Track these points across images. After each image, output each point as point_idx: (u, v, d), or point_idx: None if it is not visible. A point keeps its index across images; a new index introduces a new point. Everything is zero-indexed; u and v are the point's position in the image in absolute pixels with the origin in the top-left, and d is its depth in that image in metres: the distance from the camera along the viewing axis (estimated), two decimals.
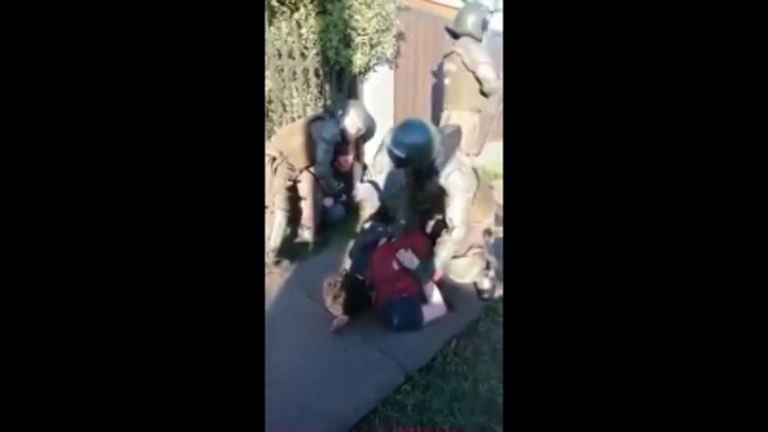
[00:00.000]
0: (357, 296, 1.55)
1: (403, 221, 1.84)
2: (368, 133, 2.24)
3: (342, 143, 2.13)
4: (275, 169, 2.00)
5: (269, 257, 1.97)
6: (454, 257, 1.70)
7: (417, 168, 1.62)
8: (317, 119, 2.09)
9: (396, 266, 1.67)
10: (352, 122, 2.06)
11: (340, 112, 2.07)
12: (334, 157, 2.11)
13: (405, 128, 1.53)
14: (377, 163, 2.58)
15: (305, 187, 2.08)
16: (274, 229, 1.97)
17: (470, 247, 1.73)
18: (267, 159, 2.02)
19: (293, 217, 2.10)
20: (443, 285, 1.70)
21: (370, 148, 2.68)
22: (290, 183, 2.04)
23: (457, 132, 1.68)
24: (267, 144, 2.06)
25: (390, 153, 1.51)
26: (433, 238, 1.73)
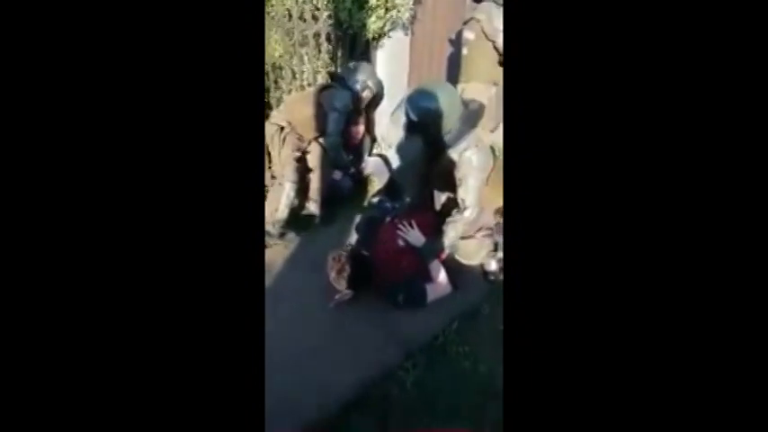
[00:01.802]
0: (361, 271, 1.54)
1: (409, 199, 1.79)
2: (377, 97, 2.14)
3: (353, 113, 2.05)
4: (283, 139, 1.95)
5: (274, 228, 1.95)
6: (463, 238, 1.66)
7: (430, 139, 1.55)
8: (327, 87, 2.00)
9: (401, 243, 1.64)
10: (363, 86, 1.97)
11: (351, 78, 1.98)
12: (344, 128, 2.04)
13: (423, 91, 1.46)
14: (388, 131, 2.49)
15: (314, 159, 2.02)
16: (282, 200, 1.94)
17: (480, 229, 1.69)
18: (275, 129, 1.96)
19: (301, 189, 2.06)
20: (449, 265, 1.67)
21: (381, 120, 2.59)
22: (299, 154, 1.98)
23: (480, 108, 1.60)
24: (275, 113, 2.00)
25: (405, 115, 1.45)
26: (443, 216, 1.69)
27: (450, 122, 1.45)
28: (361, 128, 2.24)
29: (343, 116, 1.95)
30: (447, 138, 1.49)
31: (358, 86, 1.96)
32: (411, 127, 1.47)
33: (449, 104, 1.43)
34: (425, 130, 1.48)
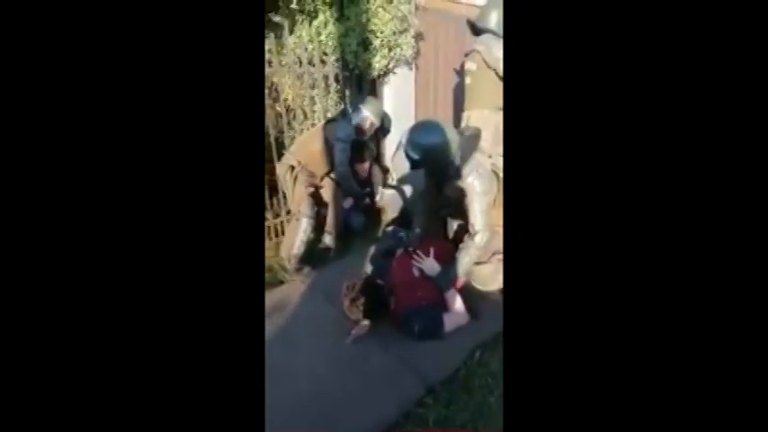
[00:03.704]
0: (376, 301, 1.52)
1: (419, 230, 1.79)
2: (383, 129, 2.20)
3: (358, 148, 2.11)
4: (295, 177, 2.02)
5: (291, 264, 1.98)
6: (477, 264, 1.63)
7: (434, 171, 1.57)
8: (331, 121, 2.09)
9: (416, 273, 1.63)
10: (364, 118, 2.04)
11: (352, 110, 2.06)
12: (351, 164, 2.10)
13: (419, 129, 1.50)
14: (395, 165, 2.54)
15: (327, 193, 2.08)
16: (298, 235, 1.99)
17: (494, 253, 1.66)
18: (286, 168, 2.04)
19: (318, 223, 2.10)
20: (466, 293, 1.63)
21: (389, 151, 2.65)
22: (312, 189, 2.04)
23: (476, 134, 1.62)
24: (287, 154, 2.08)
25: (406, 155, 1.48)
26: (456, 243, 1.68)
27: (450, 152, 1.48)
28: (367, 163, 2.29)
29: (348, 144, 2.01)
30: (450, 168, 1.51)
31: (359, 118, 2.03)
32: (415, 165, 1.51)
33: (445, 136, 1.47)
34: (429, 164, 1.51)
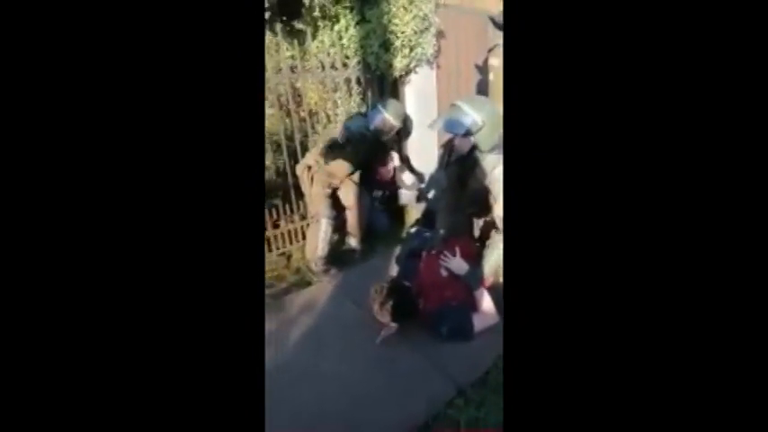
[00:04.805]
0: (404, 303, 1.51)
1: (442, 231, 1.77)
2: (405, 131, 2.19)
3: (379, 149, 2.10)
4: (311, 177, 2.02)
5: (317, 266, 2.00)
6: None
7: (460, 166, 1.55)
8: (349, 118, 2.10)
9: (444, 273, 1.61)
10: (382, 118, 2.01)
11: (371, 110, 2.05)
12: (373, 168, 2.09)
13: (466, 104, 1.51)
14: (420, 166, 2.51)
15: (349, 195, 2.09)
16: (320, 236, 2.00)
17: None
18: (303, 168, 2.05)
19: (339, 224, 2.11)
20: (496, 291, 1.60)
21: (412, 153, 2.64)
22: (329, 190, 2.03)
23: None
24: (308, 154, 2.10)
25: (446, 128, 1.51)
26: (482, 240, 1.64)
27: (492, 135, 1.49)
28: (390, 164, 2.28)
29: (355, 135, 1.99)
30: (478, 158, 1.49)
31: (377, 118, 2.02)
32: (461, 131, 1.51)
33: (490, 117, 1.48)
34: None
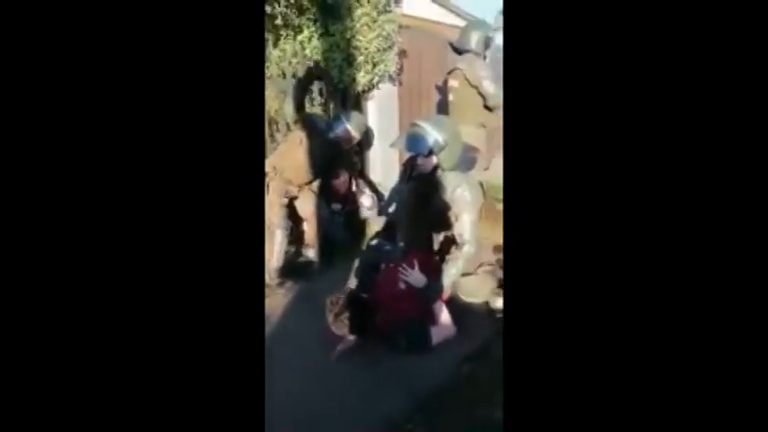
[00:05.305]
0: (361, 315, 1.48)
1: (402, 244, 1.78)
2: (365, 143, 2.20)
3: (335, 161, 2.07)
4: (267, 185, 1.95)
5: (271, 278, 1.91)
6: (464, 275, 1.63)
7: (422, 182, 1.58)
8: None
9: (402, 286, 1.61)
10: (345, 130, 1.99)
11: (332, 121, 2.04)
12: (328, 182, 2.05)
13: (424, 125, 1.53)
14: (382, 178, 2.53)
15: (307, 205, 2.04)
16: (275, 248, 1.92)
17: (480, 265, 1.67)
18: None
19: (296, 235, 2.05)
20: (453, 305, 1.62)
21: (372, 165, 2.66)
22: (286, 200, 1.97)
23: (476, 156, 1.67)
24: (266, 161, 2.03)
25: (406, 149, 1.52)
26: (442, 255, 1.67)
27: (454, 154, 1.52)
28: (344, 176, 2.25)
29: (317, 125, 1.97)
30: (439, 177, 1.53)
31: (338, 129, 2.00)
32: (411, 162, 1.52)
33: (451, 136, 1.51)
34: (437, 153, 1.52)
